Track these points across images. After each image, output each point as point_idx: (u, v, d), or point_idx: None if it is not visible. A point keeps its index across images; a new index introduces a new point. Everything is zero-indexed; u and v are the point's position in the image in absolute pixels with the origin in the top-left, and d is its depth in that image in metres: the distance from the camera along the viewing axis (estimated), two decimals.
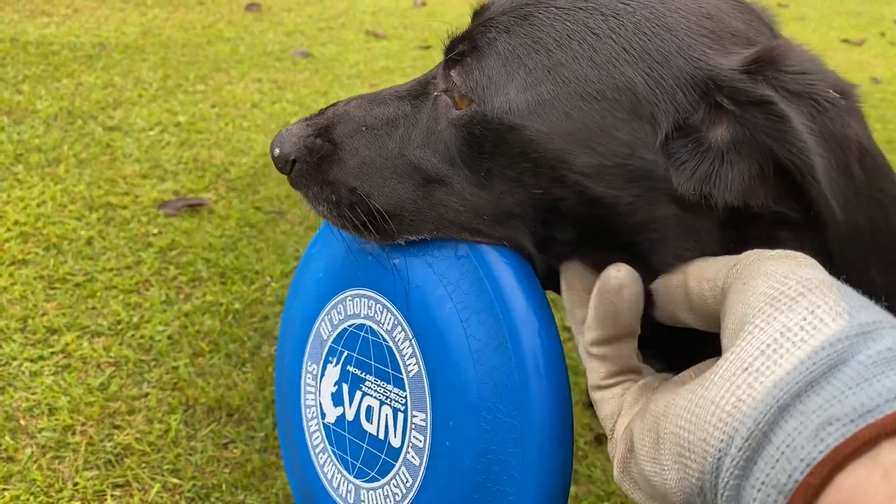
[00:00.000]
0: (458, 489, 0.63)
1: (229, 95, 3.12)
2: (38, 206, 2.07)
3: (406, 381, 0.67)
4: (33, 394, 1.45)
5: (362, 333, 0.72)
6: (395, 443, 0.68)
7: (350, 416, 0.72)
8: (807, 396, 0.42)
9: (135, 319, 1.68)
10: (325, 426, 0.75)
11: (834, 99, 0.53)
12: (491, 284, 0.63)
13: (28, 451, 1.33)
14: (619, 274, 0.56)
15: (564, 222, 0.60)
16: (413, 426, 0.66)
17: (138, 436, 1.39)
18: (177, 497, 1.29)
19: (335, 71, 3.70)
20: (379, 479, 0.69)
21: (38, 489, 1.26)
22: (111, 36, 3.67)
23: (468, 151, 0.62)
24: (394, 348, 0.68)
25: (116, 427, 1.41)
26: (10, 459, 1.31)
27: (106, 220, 2.05)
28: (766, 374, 0.43)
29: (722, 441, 0.44)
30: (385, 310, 0.69)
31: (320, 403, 0.76)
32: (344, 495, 0.73)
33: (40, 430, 1.37)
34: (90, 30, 3.72)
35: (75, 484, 1.28)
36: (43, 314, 1.66)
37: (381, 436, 0.69)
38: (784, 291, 0.46)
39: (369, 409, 0.71)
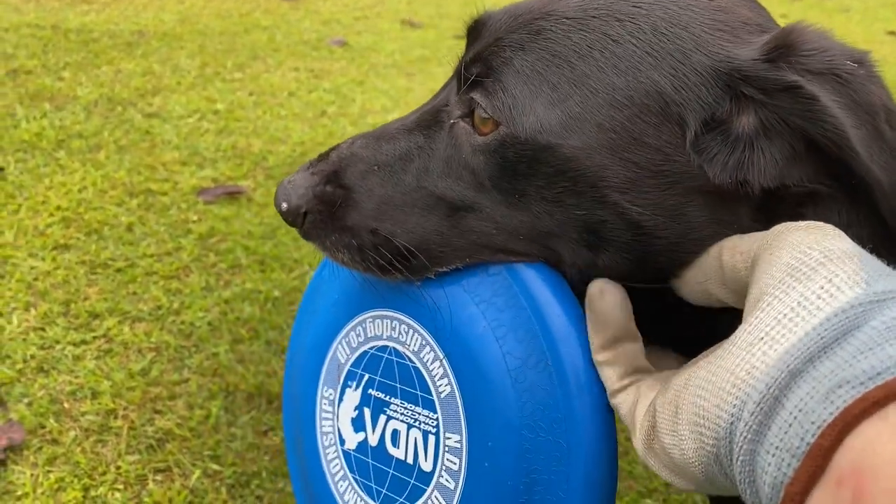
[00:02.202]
0: None
1: (266, 84, 3.13)
2: (80, 191, 2.09)
3: (437, 403, 0.65)
4: (76, 377, 1.46)
5: (385, 356, 0.69)
6: (427, 466, 0.66)
7: (374, 442, 0.70)
8: (819, 362, 0.42)
9: (175, 305, 1.69)
10: (345, 453, 0.72)
11: (853, 70, 0.55)
12: (527, 301, 0.61)
13: (72, 433, 1.34)
14: (599, 281, 0.60)
15: (608, 247, 0.59)
16: (446, 448, 0.64)
17: (179, 421, 1.40)
18: (217, 483, 1.29)
19: (371, 60, 3.69)
20: None
21: (81, 472, 1.27)
22: (149, 24, 3.70)
23: (500, 175, 0.60)
24: (422, 369, 0.66)
25: (157, 412, 1.42)
26: (54, 442, 1.32)
27: (146, 207, 2.06)
28: (781, 342, 0.44)
29: (735, 406, 0.45)
30: (411, 330, 0.67)
31: (339, 429, 0.73)
32: None
33: (83, 414, 1.38)
34: (129, 17, 3.75)
35: (118, 467, 1.29)
36: (85, 299, 1.67)
37: (410, 460, 0.67)
38: (805, 261, 0.47)
39: (395, 432, 0.68)
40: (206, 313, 1.68)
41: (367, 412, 0.70)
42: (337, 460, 0.73)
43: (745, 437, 0.44)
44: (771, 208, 0.57)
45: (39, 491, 1.23)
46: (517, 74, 0.59)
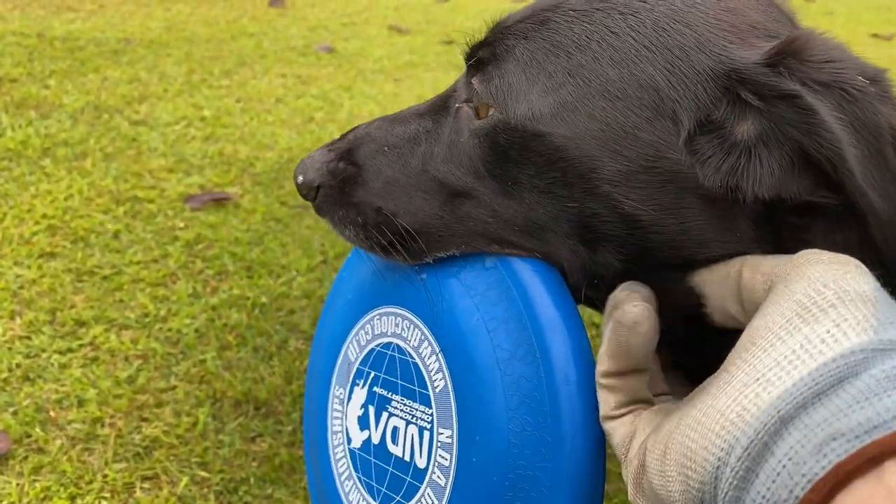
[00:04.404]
0: None
1: (254, 90, 3.13)
2: (66, 199, 2.08)
3: (432, 398, 0.64)
4: (62, 386, 1.45)
5: (389, 352, 0.70)
6: (421, 463, 0.65)
7: (376, 440, 0.70)
8: (813, 409, 0.40)
9: (162, 312, 1.68)
10: (351, 451, 0.73)
11: (863, 86, 0.51)
12: (519, 293, 0.61)
13: (58, 442, 1.33)
14: (635, 310, 0.54)
15: (604, 242, 0.58)
16: (439, 444, 0.63)
17: (166, 429, 1.39)
18: (205, 490, 1.29)
19: (359, 66, 3.69)
20: None
21: (68, 480, 1.26)
22: (136, 31, 3.69)
23: (493, 161, 0.61)
24: (420, 365, 0.66)
25: (145, 420, 1.41)
26: (40, 451, 1.31)
27: (132, 214, 2.06)
28: (776, 384, 0.42)
29: (722, 450, 0.43)
30: (412, 326, 0.67)
31: (346, 428, 0.73)
32: None
33: (70, 422, 1.38)
34: (115, 25, 3.74)
35: (105, 476, 1.28)
36: (71, 307, 1.66)
37: (407, 457, 0.66)
38: (817, 301, 0.45)
39: (395, 430, 0.68)
40: (193, 320, 1.67)
41: (371, 410, 0.71)
42: (344, 459, 0.74)
43: (731, 484, 0.42)
44: (770, 219, 0.55)
45: (25, 500, 1.22)
46: (517, 62, 0.60)
